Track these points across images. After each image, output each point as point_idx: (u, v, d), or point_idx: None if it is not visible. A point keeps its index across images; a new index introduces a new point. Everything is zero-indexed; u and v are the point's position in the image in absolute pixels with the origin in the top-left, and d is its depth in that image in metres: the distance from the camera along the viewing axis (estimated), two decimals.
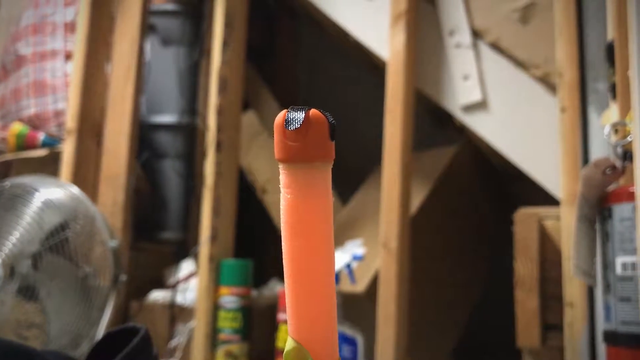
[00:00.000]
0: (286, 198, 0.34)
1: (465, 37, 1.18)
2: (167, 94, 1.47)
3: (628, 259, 0.61)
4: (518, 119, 1.14)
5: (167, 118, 1.49)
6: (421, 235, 1.30)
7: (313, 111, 0.35)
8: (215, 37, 1.31)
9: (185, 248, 1.45)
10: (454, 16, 1.19)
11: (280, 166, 0.35)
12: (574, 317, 1.00)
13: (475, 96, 1.16)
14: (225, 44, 1.29)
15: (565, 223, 1.03)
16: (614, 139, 0.68)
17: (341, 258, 1.18)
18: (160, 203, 1.46)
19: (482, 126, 1.17)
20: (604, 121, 0.90)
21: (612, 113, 0.87)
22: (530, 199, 1.17)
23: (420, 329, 1.26)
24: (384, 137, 1.17)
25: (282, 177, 0.34)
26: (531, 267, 1.04)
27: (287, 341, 0.34)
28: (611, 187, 0.67)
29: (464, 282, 1.42)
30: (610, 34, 0.92)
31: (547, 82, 1.12)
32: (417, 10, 1.20)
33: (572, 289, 1.01)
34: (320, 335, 0.34)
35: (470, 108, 1.17)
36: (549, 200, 1.14)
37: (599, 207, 0.66)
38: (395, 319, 1.12)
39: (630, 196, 0.62)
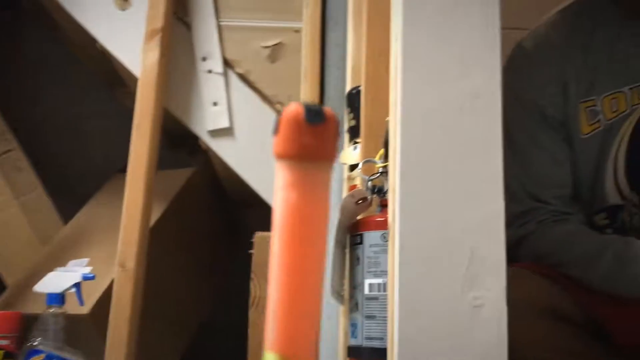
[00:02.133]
0: (288, 198, 0.31)
1: (217, 64, 1.22)
2: None
3: (375, 280, 0.70)
4: (261, 150, 1.21)
5: None
6: (151, 254, 1.28)
7: (327, 108, 0.32)
8: None
9: None
10: (208, 43, 1.22)
11: (284, 162, 0.32)
12: None
13: (223, 123, 1.20)
14: None
15: None
16: (364, 174, 0.78)
17: (70, 278, 1.10)
18: None
19: (227, 152, 1.21)
20: (342, 159, 1.02)
21: (350, 152, 0.98)
22: (260, 227, 1.24)
23: (144, 348, 1.23)
24: (130, 153, 1.14)
25: (285, 175, 0.31)
26: (266, 288, 1.11)
27: (266, 356, 0.31)
28: (362, 216, 0.77)
29: (191, 301, 1.43)
30: (350, 84, 1.04)
31: None
32: (172, 29, 1.21)
33: None
34: (308, 348, 0.31)
35: (217, 133, 1.21)
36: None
37: (351, 233, 0.75)
38: (127, 341, 1.08)
39: (377, 225, 0.72)
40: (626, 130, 0.94)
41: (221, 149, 1.22)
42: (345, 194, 1.08)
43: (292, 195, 0.32)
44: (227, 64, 1.22)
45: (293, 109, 0.32)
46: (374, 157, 0.83)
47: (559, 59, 0.96)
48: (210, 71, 1.21)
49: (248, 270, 1.18)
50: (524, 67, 0.97)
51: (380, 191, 0.75)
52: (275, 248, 0.33)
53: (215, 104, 1.21)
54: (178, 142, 1.54)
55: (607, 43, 0.94)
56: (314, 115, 0.32)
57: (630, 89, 0.93)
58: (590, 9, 0.98)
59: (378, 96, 0.88)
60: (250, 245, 1.18)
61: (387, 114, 0.90)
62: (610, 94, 0.94)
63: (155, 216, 1.32)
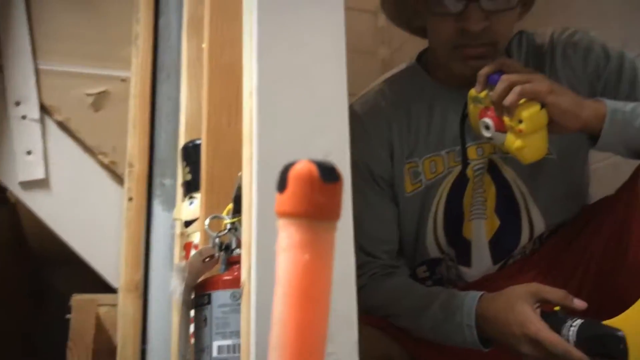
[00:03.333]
0: (299, 259, 0.27)
1: (33, 110, 1.12)
2: None
3: (224, 342, 0.67)
4: (81, 203, 1.12)
5: None
6: None
7: (336, 165, 0.29)
8: None
9: None
10: (24, 87, 1.11)
11: (293, 221, 0.27)
12: None
13: (38, 174, 1.10)
14: None
15: (122, 310, 1.05)
16: (212, 230, 0.75)
17: None
18: None
19: (41, 206, 1.10)
20: (176, 214, 0.98)
21: (185, 207, 0.95)
22: (74, 288, 1.14)
23: None
24: None
25: (293, 234, 0.27)
26: (86, 357, 1.01)
27: None
28: (207, 275, 0.73)
29: None
30: (185, 137, 1.02)
31: (114, 171, 1.15)
32: None
33: None
34: None
35: (30, 185, 1.10)
36: (89, 289, 1.13)
37: (197, 293, 0.71)
38: None
39: (226, 283, 0.69)
40: (443, 190, 1.02)
41: (34, 202, 1.10)
42: (178, 250, 1.03)
43: (303, 256, 0.30)
44: (44, 110, 1.13)
45: (304, 166, 0.30)
46: (216, 212, 0.81)
47: (386, 124, 1.02)
48: (24, 117, 1.11)
49: (58, 335, 1.07)
50: (356, 130, 1.02)
51: (227, 248, 0.73)
52: (280, 310, 0.30)
53: (29, 152, 1.10)
54: None
55: (425, 110, 1.03)
56: (330, 173, 0.30)
57: (447, 152, 1.02)
58: (410, 79, 1.07)
59: (220, 150, 0.87)
60: (63, 308, 1.08)
61: (229, 167, 0.89)
62: (430, 157, 1.02)
63: None
